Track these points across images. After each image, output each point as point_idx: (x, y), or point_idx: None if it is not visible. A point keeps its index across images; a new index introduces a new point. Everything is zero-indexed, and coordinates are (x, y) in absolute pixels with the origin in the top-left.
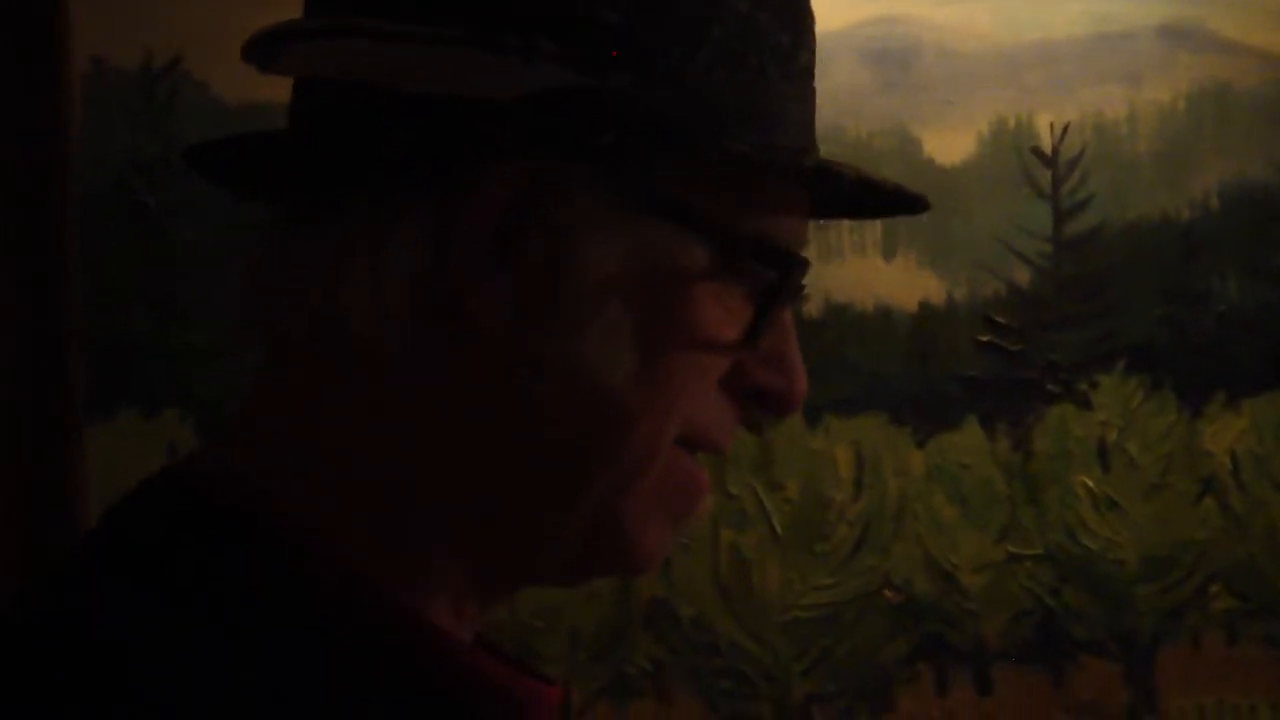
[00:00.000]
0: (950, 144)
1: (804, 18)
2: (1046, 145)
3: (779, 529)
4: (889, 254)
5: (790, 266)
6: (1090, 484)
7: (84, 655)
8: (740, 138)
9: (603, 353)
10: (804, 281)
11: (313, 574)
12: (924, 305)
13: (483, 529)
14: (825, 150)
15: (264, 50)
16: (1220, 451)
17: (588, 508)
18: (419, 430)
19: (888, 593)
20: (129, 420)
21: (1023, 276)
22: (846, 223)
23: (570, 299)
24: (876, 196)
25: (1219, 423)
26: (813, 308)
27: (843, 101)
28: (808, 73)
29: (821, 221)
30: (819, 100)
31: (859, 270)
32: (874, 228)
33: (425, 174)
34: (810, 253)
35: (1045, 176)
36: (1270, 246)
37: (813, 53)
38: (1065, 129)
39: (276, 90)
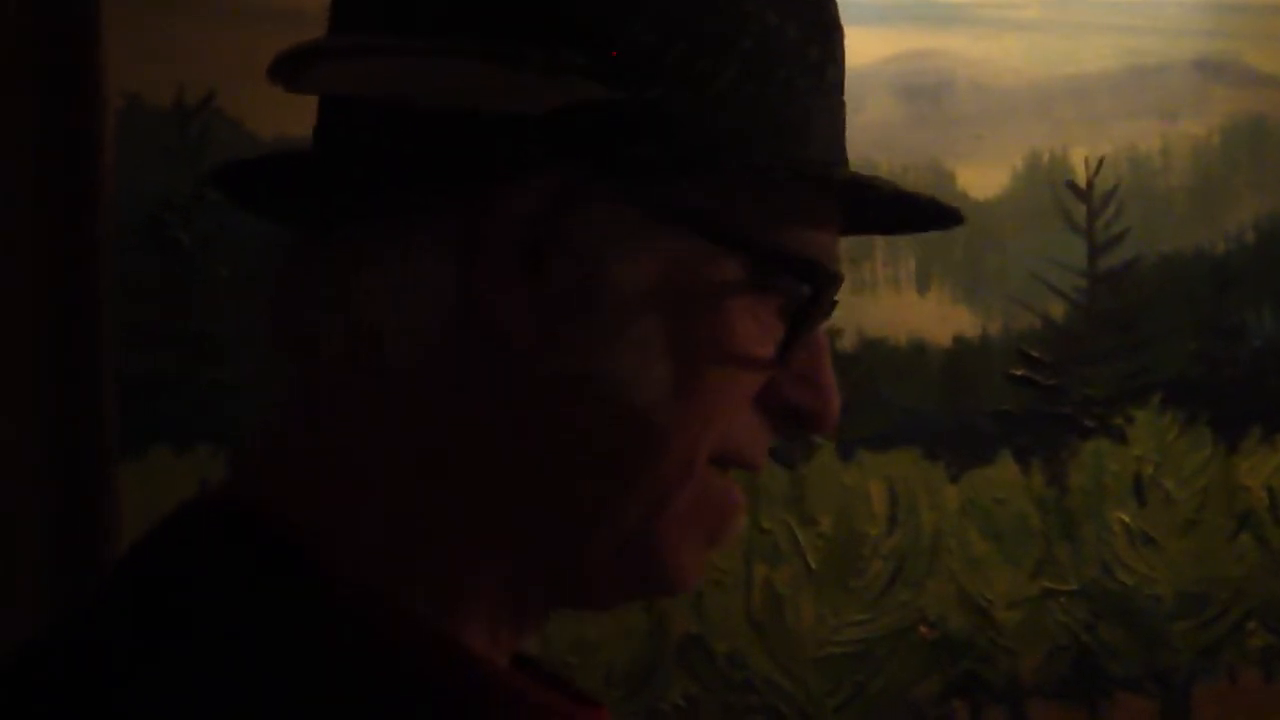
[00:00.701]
0: (984, 178)
1: (832, 31)
2: (1081, 179)
3: (812, 564)
4: (923, 288)
5: (823, 280)
6: (1126, 519)
7: (109, 687)
8: (769, 151)
9: (636, 369)
10: (836, 300)
11: (346, 602)
12: (958, 339)
13: (518, 550)
14: None
15: (289, 70)
16: (1257, 486)
17: (624, 527)
18: (452, 451)
19: (922, 629)
20: (161, 457)
21: (1057, 310)
22: (880, 257)
23: (601, 314)
24: (909, 211)
25: (1255, 457)
26: (846, 342)
27: (875, 135)
28: (837, 87)
29: (856, 236)
30: (852, 134)
31: (893, 304)
32: (908, 262)
33: (451, 191)
34: (844, 287)
35: (1079, 210)
36: None
37: (842, 67)
38: (1100, 163)
39: (309, 125)
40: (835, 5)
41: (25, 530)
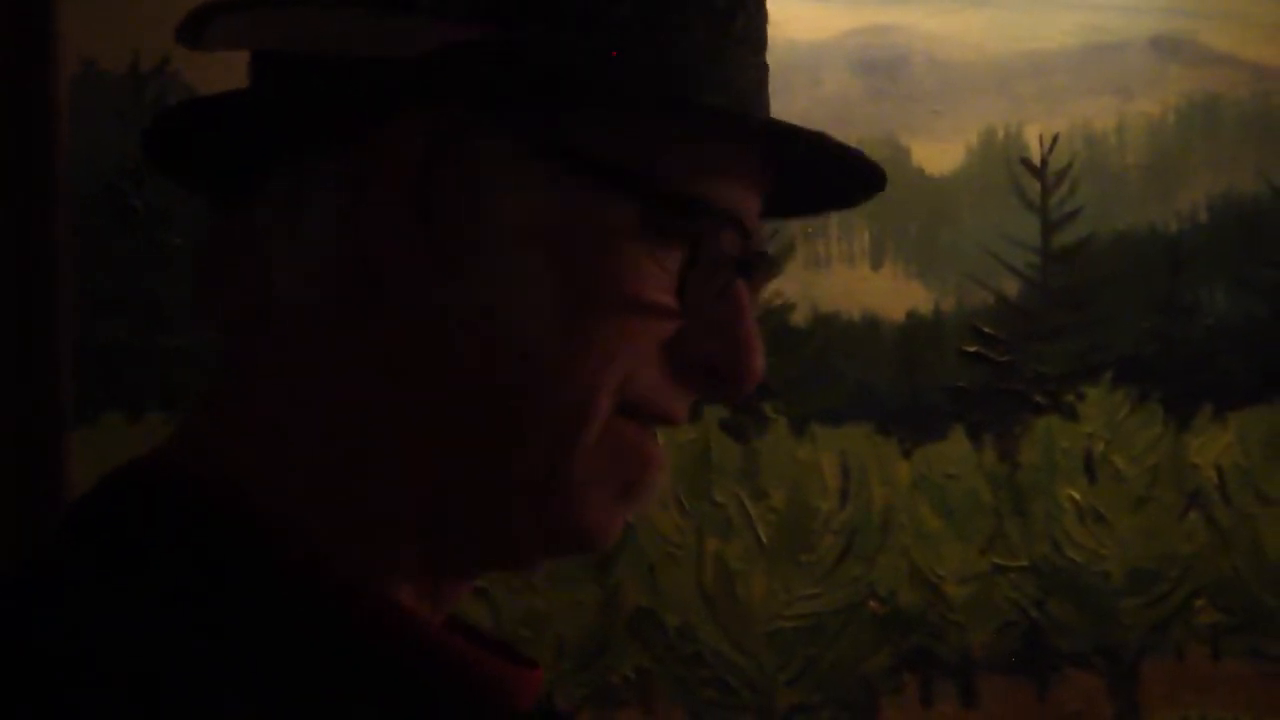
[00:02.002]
0: (939, 154)
1: None
2: (1036, 156)
3: (764, 538)
4: (877, 263)
5: (715, 220)
6: (1076, 496)
7: (43, 644)
8: (653, 90)
9: (521, 305)
10: (765, 253)
11: (271, 556)
12: (911, 315)
13: (430, 496)
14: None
15: (191, 29)
16: (1206, 465)
17: (526, 471)
18: (354, 395)
19: (873, 603)
20: (113, 424)
21: (1011, 287)
22: (834, 232)
23: (486, 251)
24: (833, 174)
25: (1205, 435)
26: (800, 317)
27: (832, 109)
28: (749, 39)
29: (787, 218)
30: (809, 107)
31: (847, 280)
32: (862, 237)
33: (336, 136)
34: (797, 262)
35: (1034, 187)
36: (1258, 259)
37: (757, 19)
38: (1055, 140)
39: None
40: None
41: None
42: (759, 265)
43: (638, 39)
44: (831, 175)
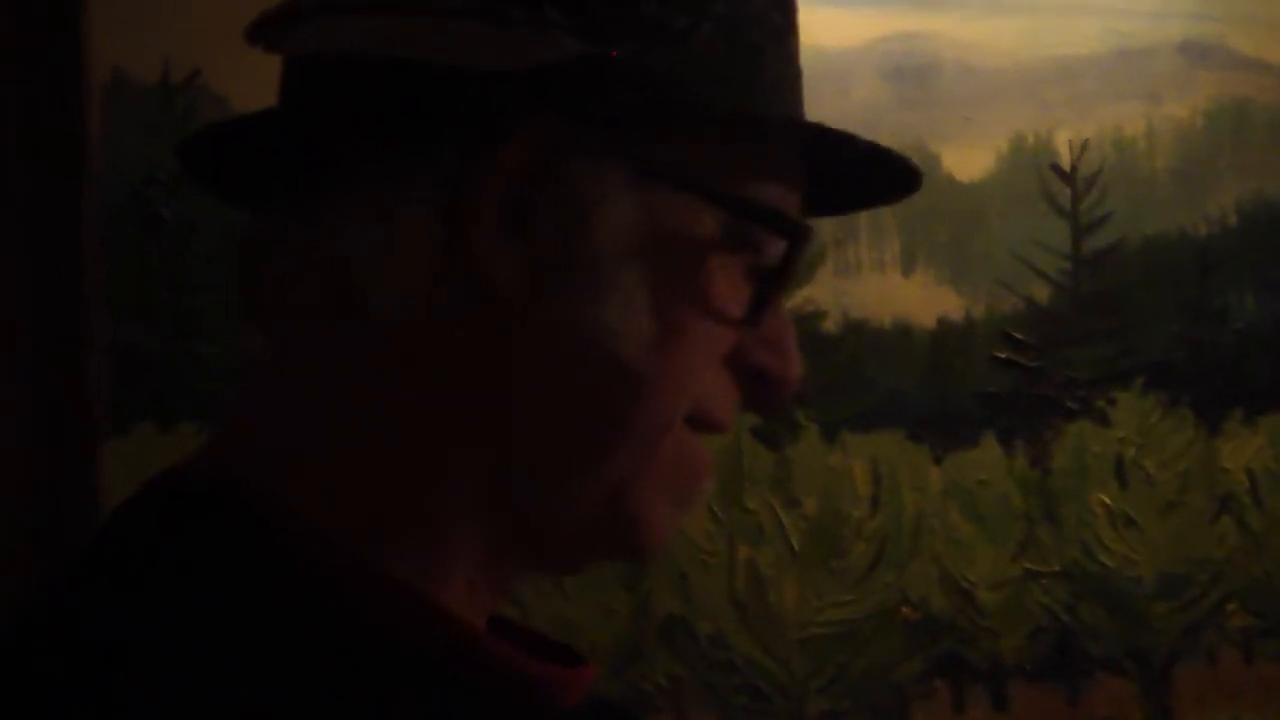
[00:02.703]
0: (969, 160)
1: (790, 1)
2: (1065, 162)
3: (796, 545)
4: (908, 270)
5: (797, 236)
6: (1107, 501)
7: (83, 656)
8: (739, 107)
9: (619, 321)
10: (801, 263)
11: (320, 564)
12: (942, 321)
13: (502, 508)
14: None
15: (271, 32)
16: (1237, 469)
17: (609, 479)
18: (437, 401)
19: (905, 609)
20: (145, 434)
21: (1041, 293)
22: (865, 239)
23: (585, 267)
24: (872, 175)
25: (1236, 440)
26: (831, 324)
27: (861, 117)
28: (795, 50)
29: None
30: (838, 115)
31: (877, 286)
32: (893, 244)
33: (435, 146)
34: (828, 269)
35: (1064, 193)
36: None
37: (798, 38)
38: (1084, 146)
39: None
40: None
41: (10, 505)
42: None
43: (723, 58)
44: (869, 178)
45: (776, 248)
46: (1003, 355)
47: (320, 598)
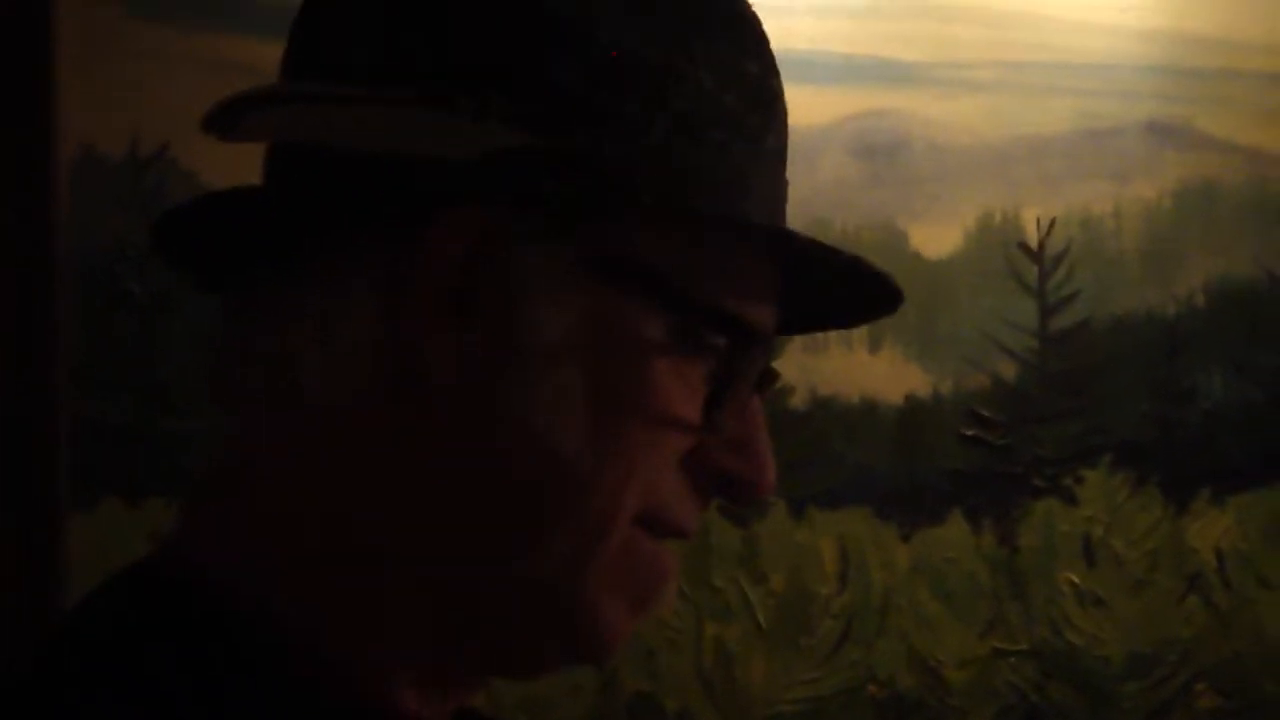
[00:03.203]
0: (937, 238)
1: (774, 103)
2: (1033, 240)
3: (763, 622)
4: (875, 347)
5: (743, 337)
6: (1075, 580)
7: None
8: (698, 205)
9: (553, 414)
10: (773, 371)
11: (277, 661)
12: (910, 398)
13: (445, 600)
14: None
15: (222, 120)
16: (1205, 549)
17: (543, 578)
18: (376, 501)
19: (872, 688)
20: (112, 509)
21: (1008, 371)
22: None
23: (522, 359)
24: (849, 288)
25: (1205, 519)
26: (798, 400)
27: (830, 194)
28: (778, 156)
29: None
30: (808, 192)
31: (845, 363)
32: None
33: (377, 232)
34: (796, 345)
35: (1031, 271)
36: (1256, 344)
37: (783, 138)
38: (1051, 224)
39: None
40: (778, 78)
41: None
42: (772, 379)
43: (680, 153)
44: (846, 291)
45: (755, 354)
46: (970, 433)
47: (282, 698)
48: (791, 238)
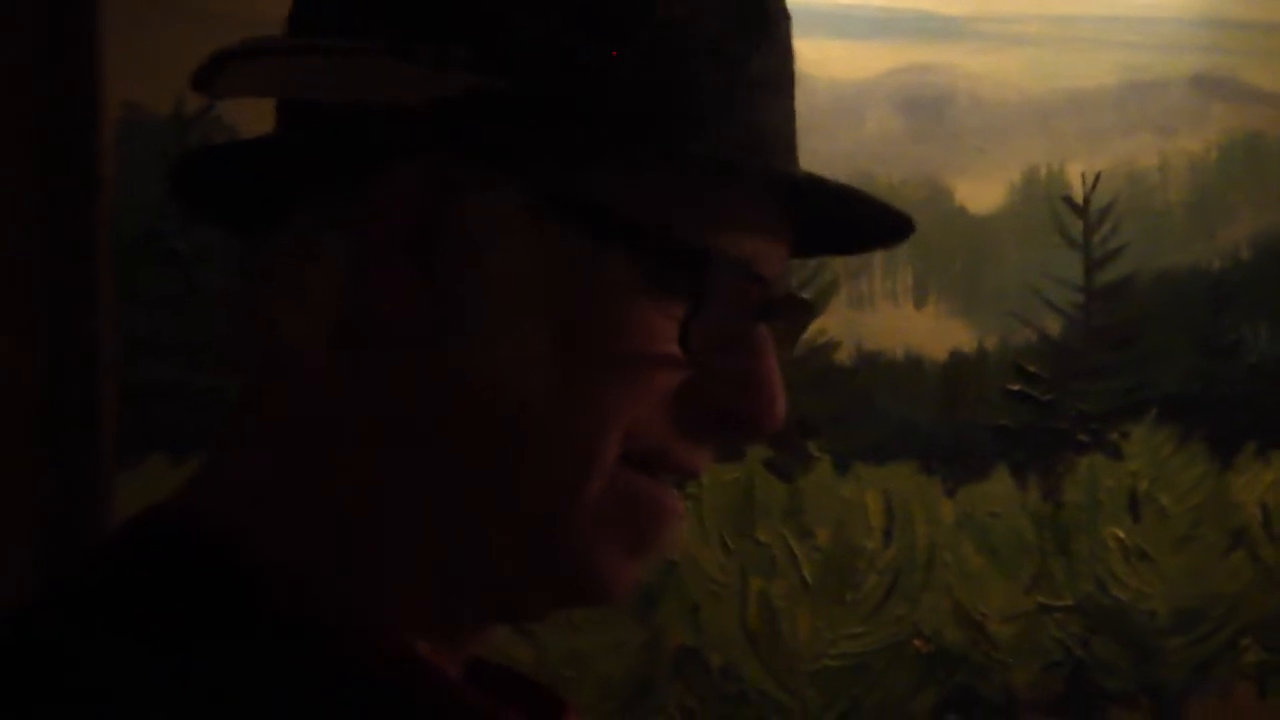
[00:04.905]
0: (982, 193)
1: (764, 24)
2: (1078, 194)
3: (808, 577)
4: (920, 302)
5: (710, 268)
6: (1120, 535)
7: (45, 689)
8: (667, 141)
9: (518, 358)
10: (791, 297)
11: (285, 607)
12: (954, 354)
13: (433, 548)
14: None
15: (204, 77)
16: (1251, 502)
17: (527, 521)
18: (354, 447)
19: (917, 642)
20: (157, 465)
21: (1054, 326)
22: (878, 271)
23: (483, 304)
24: (859, 218)
25: (1249, 473)
26: (844, 355)
27: (874, 149)
28: (768, 81)
29: (808, 256)
30: (851, 147)
31: (890, 318)
32: (905, 276)
33: (342, 183)
34: (841, 300)
35: (1076, 226)
36: None
37: (781, 60)
38: (1097, 178)
39: None
40: (772, 2)
41: (23, 537)
42: (783, 310)
43: (643, 90)
44: (858, 216)
45: (736, 287)
46: (1015, 388)
47: (290, 639)
48: (758, 169)
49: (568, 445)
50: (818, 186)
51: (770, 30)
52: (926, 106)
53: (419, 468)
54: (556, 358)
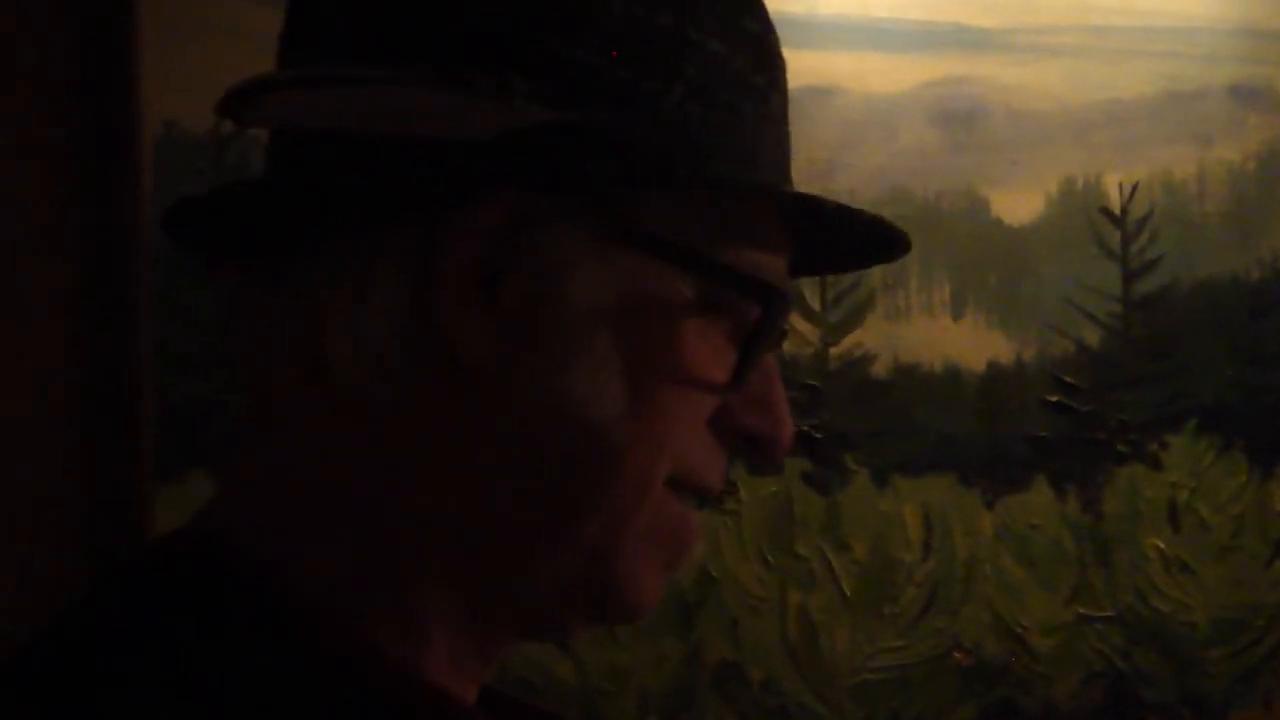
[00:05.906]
0: (1018, 204)
1: (775, 60)
2: (1115, 205)
3: (847, 591)
4: (958, 314)
5: (773, 300)
6: (1161, 545)
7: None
8: (716, 171)
9: (590, 388)
10: (787, 327)
11: (306, 635)
12: (993, 365)
13: (478, 575)
14: (892, 211)
15: (238, 104)
16: None
17: (582, 547)
18: (409, 476)
19: (957, 655)
20: (199, 482)
21: (1092, 336)
22: (915, 283)
23: (555, 334)
24: (860, 238)
25: None
26: (881, 368)
27: (909, 162)
28: (781, 116)
29: (807, 276)
30: (887, 160)
31: (927, 330)
32: (942, 288)
33: (403, 217)
34: (878, 313)
35: (1114, 236)
36: None
37: (785, 96)
38: (1134, 189)
39: None
40: (775, 34)
41: (63, 553)
42: (783, 336)
43: (697, 123)
44: (854, 238)
45: (758, 310)
46: (1054, 399)
47: (303, 667)
48: (810, 200)
49: (630, 473)
50: (839, 211)
51: (781, 68)
52: (963, 119)
53: (473, 494)
54: (624, 384)
